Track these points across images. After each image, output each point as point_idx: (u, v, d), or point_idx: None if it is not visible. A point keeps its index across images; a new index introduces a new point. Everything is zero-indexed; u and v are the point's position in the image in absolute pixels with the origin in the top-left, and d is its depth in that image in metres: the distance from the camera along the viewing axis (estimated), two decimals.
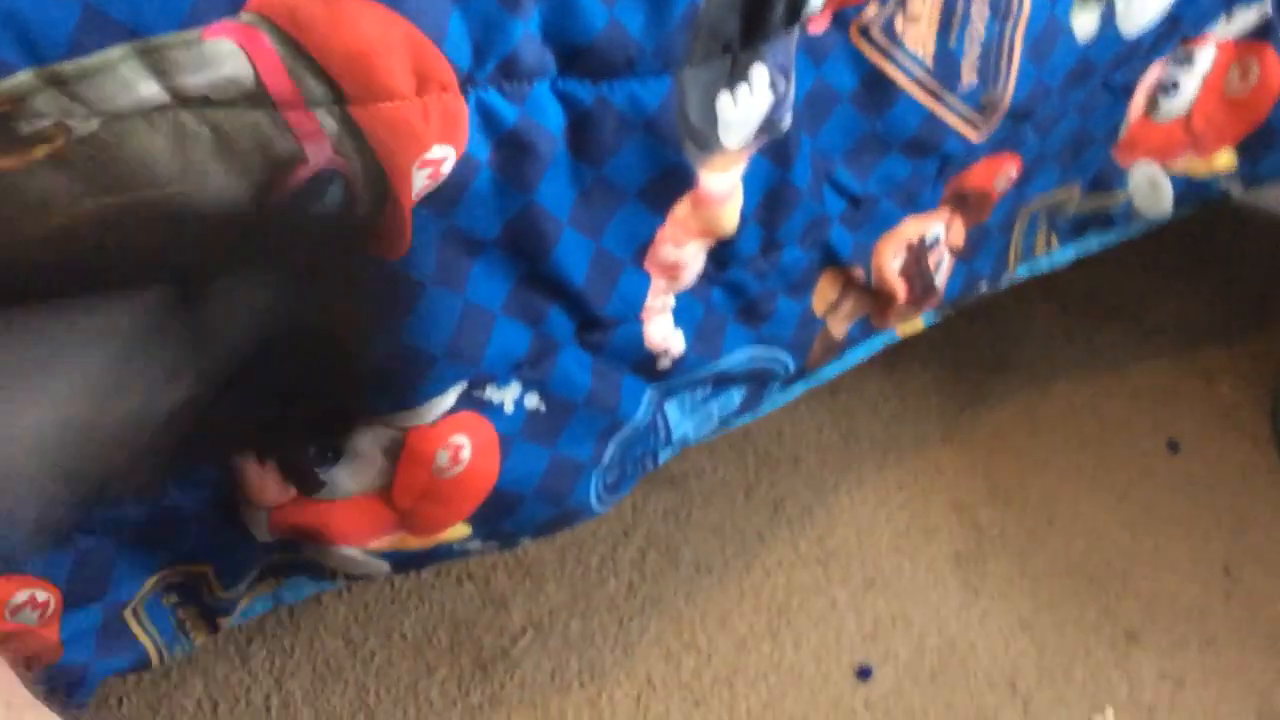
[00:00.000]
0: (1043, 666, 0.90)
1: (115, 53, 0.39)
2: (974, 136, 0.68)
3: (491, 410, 0.59)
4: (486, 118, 0.48)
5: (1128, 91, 0.76)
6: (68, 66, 0.39)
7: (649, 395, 0.66)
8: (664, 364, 0.64)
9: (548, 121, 0.49)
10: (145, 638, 0.61)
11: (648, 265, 0.59)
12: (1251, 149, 0.83)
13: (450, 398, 0.56)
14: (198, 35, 0.40)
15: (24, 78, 0.38)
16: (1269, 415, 1.10)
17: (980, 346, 1.14)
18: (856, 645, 0.90)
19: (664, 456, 0.73)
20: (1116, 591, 0.95)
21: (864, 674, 0.89)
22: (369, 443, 0.57)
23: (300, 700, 0.84)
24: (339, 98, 0.43)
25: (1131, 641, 0.92)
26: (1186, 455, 1.07)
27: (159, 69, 0.40)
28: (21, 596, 0.52)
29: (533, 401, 0.60)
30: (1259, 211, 1.27)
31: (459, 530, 0.63)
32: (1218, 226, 1.23)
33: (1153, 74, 0.77)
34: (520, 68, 0.47)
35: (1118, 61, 0.72)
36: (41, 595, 0.52)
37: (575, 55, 0.48)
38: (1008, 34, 0.65)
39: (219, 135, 0.42)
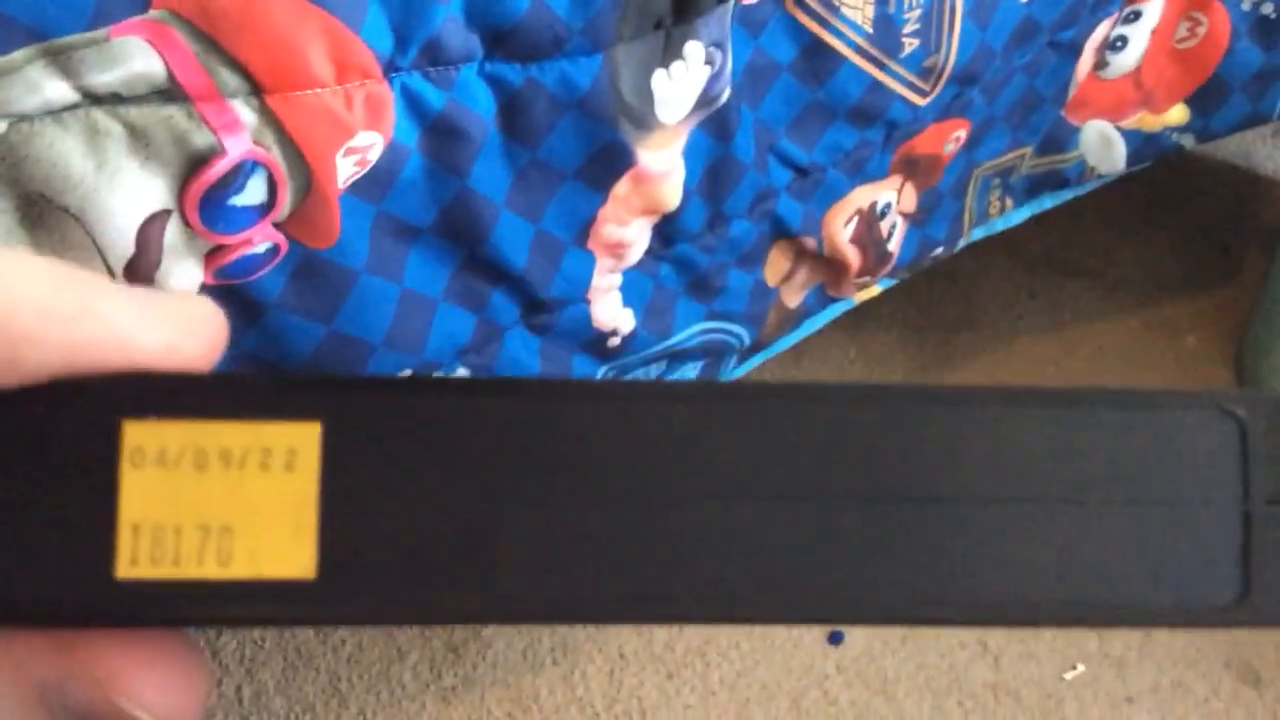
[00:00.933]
0: None
1: (19, 55, 0.38)
2: (920, 101, 0.67)
3: None
4: (413, 104, 0.47)
5: (1075, 50, 0.76)
6: None
7: (601, 375, 0.65)
8: (614, 343, 0.63)
9: (477, 105, 0.48)
10: None
11: (591, 245, 0.58)
12: (1203, 102, 0.83)
13: None
14: (106, 34, 0.39)
15: None
16: (1233, 366, 1.10)
17: (943, 306, 1.14)
18: (816, 625, 0.90)
19: None
20: None
21: (835, 639, 0.90)
22: None
23: (272, 690, 0.84)
24: (255, 88, 0.42)
25: None
26: None
27: (66, 69, 0.39)
28: None
29: None
30: (1219, 162, 1.27)
31: None
32: (1178, 177, 1.23)
33: (1100, 31, 0.76)
34: (445, 52, 0.46)
35: (1064, 20, 0.72)
36: None
37: (501, 37, 0.48)
38: None
39: (132, 132, 0.41)
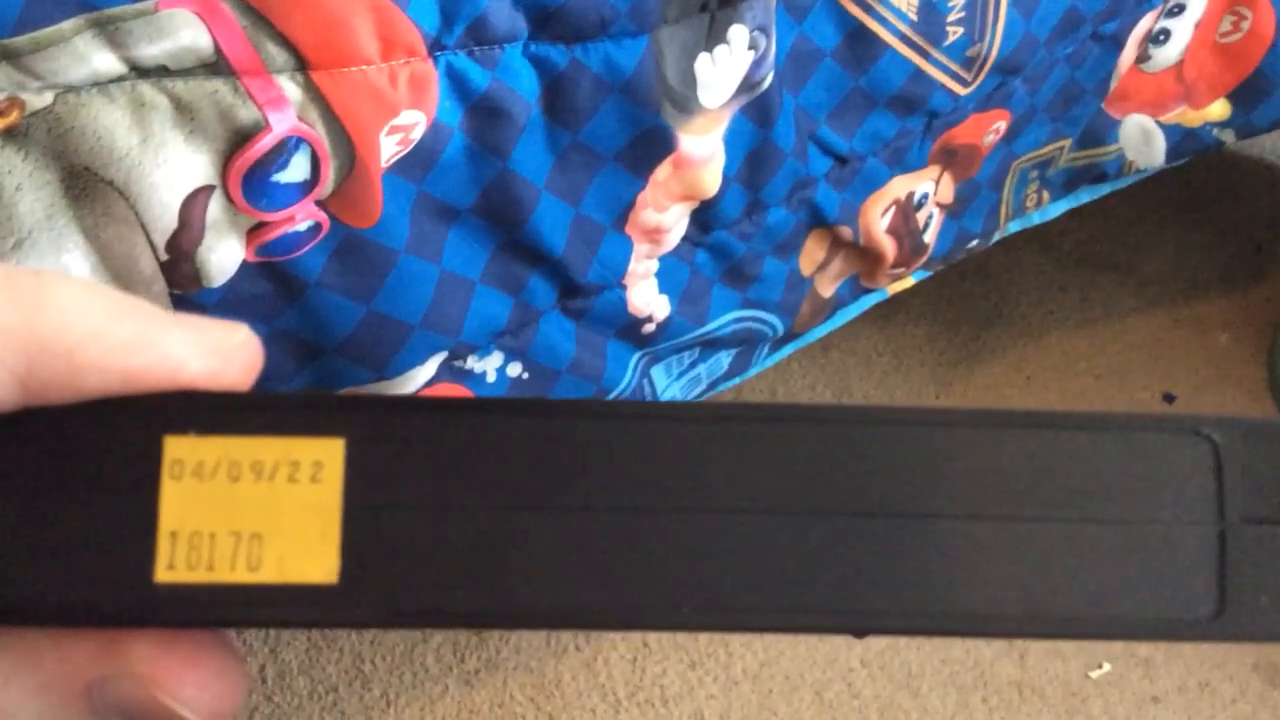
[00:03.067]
0: None
1: (68, 25, 0.38)
2: (961, 91, 0.67)
3: (473, 380, 0.58)
4: (457, 83, 0.46)
5: (1118, 42, 0.75)
6: (19, 40, 0.38)
7: (635, 361, 0.65)
8: (649, 329, 0.63)
9: (521, 86, 0.48)
10: None
11: (629, 230, 0.58)
12: (1245, 98, 0.82)
13: (430, 368, 0.55)
14: (153, 5, 0.39)
15: None
16: (1265, 365, 1.09)
17: (973, 300, 1.13)
18: (810, 635, 0.90)
19: None
20: None
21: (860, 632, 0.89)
22: None
23: (296, 670, 0.85)
24: (301, 64, 0.42)
25: None
26: (1182, 406, 1.07)
27: (114, 40, 0.39)
28: None
29: (515, 370, 0.59)
30: (1255, 160, 1.25)
31: None
32: (1213, 175, 1.22)
33: (1144, 24, 0.75)
34: (490, 32, 0.46)
35: (1108, 12, 0.71)
36: None
37: (547, 18, 0.47)
38: None
39: (178, 105, 0.41)
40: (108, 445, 0.19)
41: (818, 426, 0.20)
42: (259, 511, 0.19)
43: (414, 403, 0.20)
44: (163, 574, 0.19)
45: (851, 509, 0.19)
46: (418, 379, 0.55)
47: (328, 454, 0.19)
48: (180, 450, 0.19)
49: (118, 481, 0.19)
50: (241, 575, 0.19)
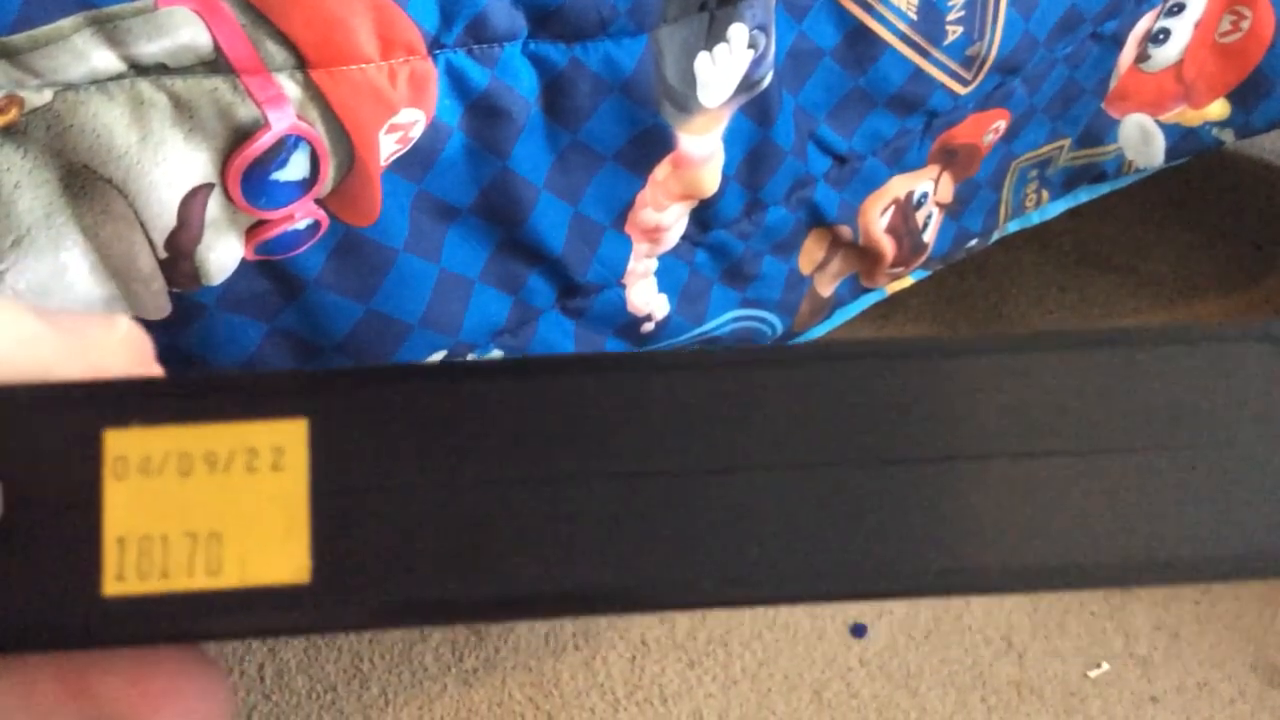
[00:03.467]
0: (1037, 621, 0.90)
1: (67, 23, 0.38)
2: (961, 90, 0.67)
3: None
4: (457, 82, 0.46)
5: (1117, 42, 0.75)
6: (18, 38, 0.38)
7: None
8: (648, 328, 0.63)
9: (520, 85, 0.48)
10: None
11: (628, 229, 0.58)
12: (1244, 98, 0.82)
13: None
14: (152, 3, 0.39)
15: None
16: None
17: (973, 300, 1.13)
18: (851, 603, 0.90)
19: None
20: None
21: (859, 631, 0.89)
22: None
23: (294, 669, 0.85)
24: (300, 62, 0.42)
25: (1126, 593, 0.92)
26: None
27: (113, 38, 0.39)
28: None
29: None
30: (1254, 159, 1.25)
31: None
32: (1212, 175, 1.22)
33: (1143, 24, 0.75)
34: (490, 30, 0.46)
35: (1107, 11, 0.71)
36: None
37: (547, 16, 0.47)
38: None
39: (177, 104, 0.41)
40: (39, 444, 0.17)
41: (835, 366, 0.17)
42: (216, 508, 0.17)
43: (381, 372, 0.18)
44: (112, 586, 0.16)
45: (888, 455, 0.17)
46: None
47: (289, 437, 0.17)
48: (123, 445, 0.17)
49: (54, 484, 0.17)
50: (201, 581, 0.16)
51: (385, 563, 0.17)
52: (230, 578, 0.17)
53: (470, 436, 0.17)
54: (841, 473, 0.17)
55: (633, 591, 0.17)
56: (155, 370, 0.18)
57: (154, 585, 0.16)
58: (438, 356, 0.55)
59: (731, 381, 0.17)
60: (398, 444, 0.17)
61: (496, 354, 0.58)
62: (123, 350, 0.18)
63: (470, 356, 0.57)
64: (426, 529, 0.17)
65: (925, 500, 0.17)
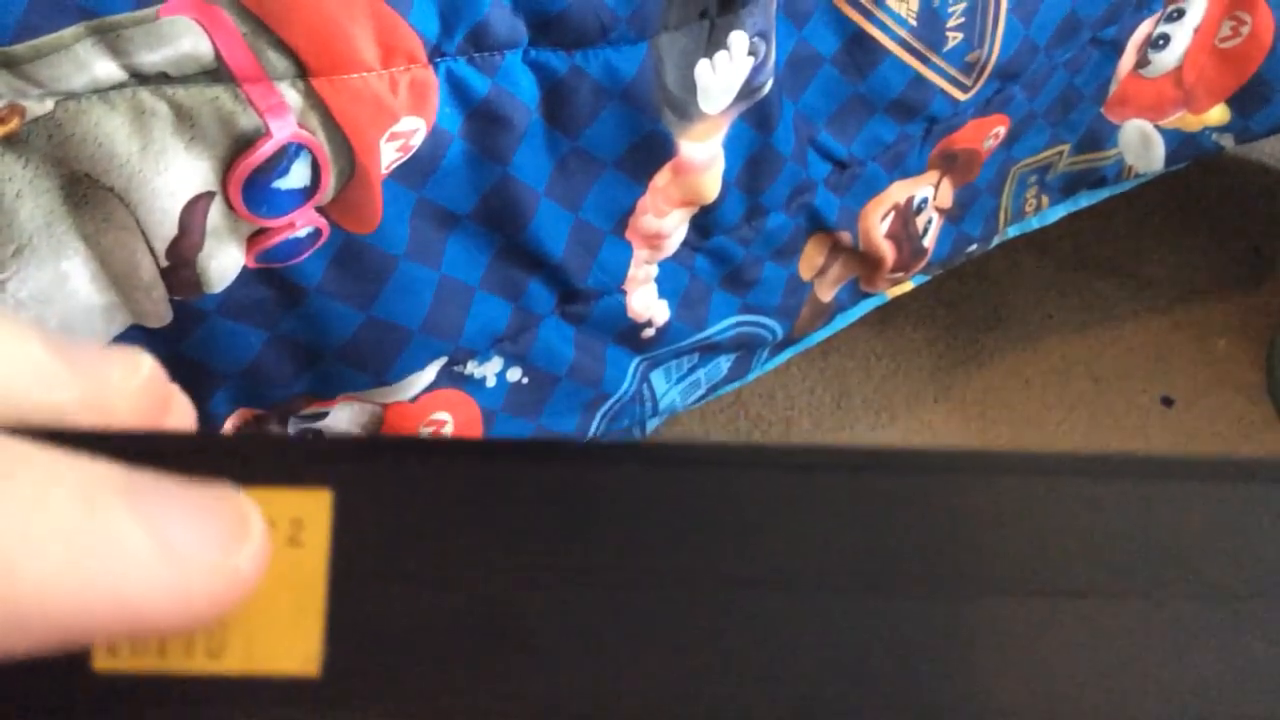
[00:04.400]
0: None
1: (69, 33, 0.38)
2: (961, 96, 0.67)
3: (473, 385, 0.58)
4: (457, 89, 0.46)
5: (1117, 48, 0.75)
6: (20, 47, 0.38)
7: (634, 365, 0.65)
8: (649, 334, 0.63)
9: (521, 92, 0.48)
10: None
11: (629, 235, 0.58)
12: (1244, 103, 0.82)
13: (430, 374, 0.55)
14: (153, 12, 0.39)
15: None
16: (1263, 369, 1.09)
17: (972, 304, 1.13)
18: None
19: (652, 426, 0.72)
20: None
21: None
22: (348, 420, 0.56)
23: None
24: (301, 70, 0.42)
25: None
26: (1181, 411, 1.07)
27: (115, 47, 0.39)
28: None
29: (515, 375, 0.59)
30: (1254, 163, 1.25)
31: None
32: (1212, 179, 1.22)
33: (1143, 29, 0.76)
34: (490, 38, 0.46)
35: (1107, 17, 0.71)
36: None
37: (547, 24, 0.47)
38: None
39: (179, 112, 0.41)
40: None
41: (876, 474, 0.16)
42: None
43: (415, 445, 0.16)
44: (103, 660, 0.15)
45: (914, 587, 0.16)
46: (418, 384, 0.55)
47: (311, 509, 0.15)
48: None
49: None
50: (200, 664, 0.15)
51: (406, 661, 0.15)
52: (232, 662, 0.15)
53: (504, 523, 0.16)
54: (861, 597, 0.16)
55: (655, 703, 0.15)
56: (172, 419, 0.17)
57: (149, 663, 0.15)
58: (439, 363, 0.55)
59: (794, 483, 0.16)
60: (429, 526, 0.16)
61: (497, 360, 0.58)
62: (142, 396, 0.16)
63: (471, 363, 0.57)
64: (456, 625, 0.15)
65: (938, 638, 0.15)
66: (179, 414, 0.17)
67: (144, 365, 0.16)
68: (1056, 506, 0.16)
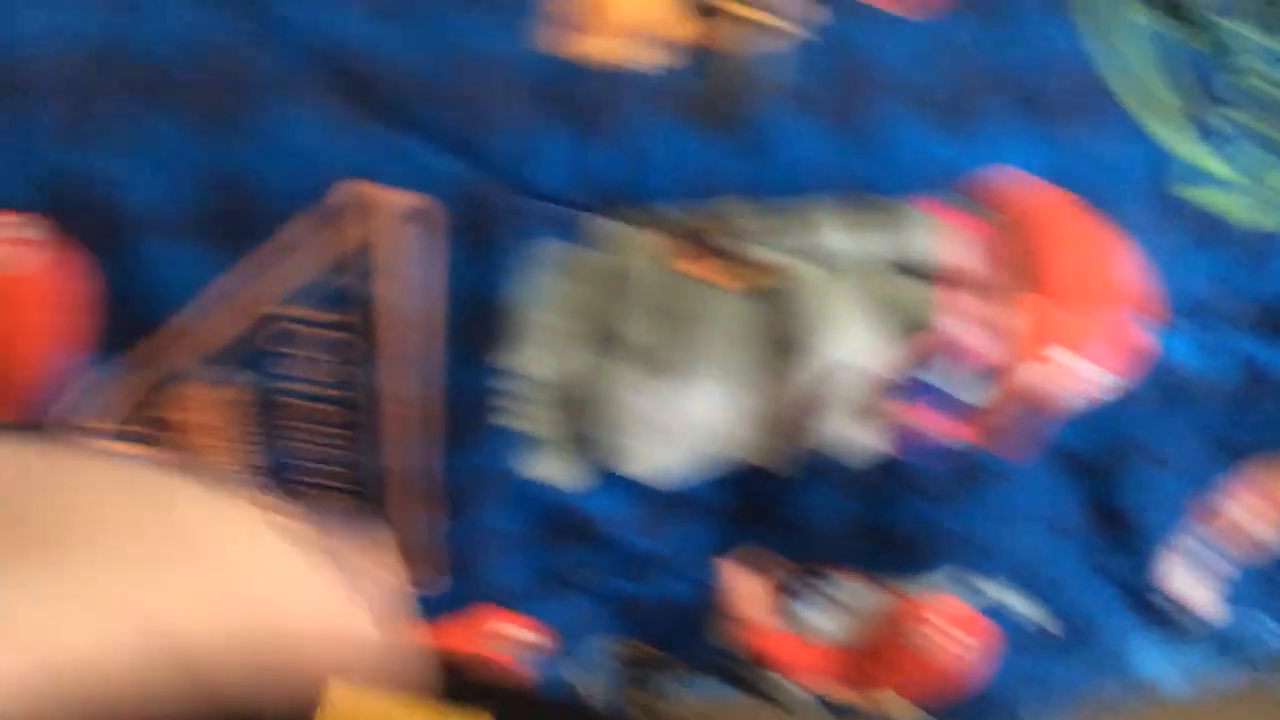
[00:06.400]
0: None
1: (825, 201, 0.39)
2: None
3: (994, 609, 0.55)
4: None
5: None
6: (778, 203, 0.39)
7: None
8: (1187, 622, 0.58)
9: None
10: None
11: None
12: None
13: (948, 579, 0.53)
14: (909, 204, 0.40)
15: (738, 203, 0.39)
16: None
17: None
18: None
19: None
20: None
21: None
22: (853, 596, 0.55)
23: None
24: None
25: None
26: None
27: (853, 225, 0.40)
28: (511, 630, 0.54)
29: (1040, 615, 0.56)
30: None
31: (901, 704, 0.60)
32: None
33: None
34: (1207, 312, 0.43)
35: None
36: (531, 636, 0.54)
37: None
38: None
39: (875, 297, 0.41)
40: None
41: None
42: None
43: None
44: None
45: None
46: (935, 586, 0.53)
47: None
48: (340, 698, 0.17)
49: None
50: None
51: None
52: None
53: None
54: None
55: None
56: None
57: None
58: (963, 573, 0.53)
59: None
60: None
61: (1023, 592, 0.55)
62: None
63: (997, 584, 0.54)
64: None
65: None
66: None
67: None
68: None
